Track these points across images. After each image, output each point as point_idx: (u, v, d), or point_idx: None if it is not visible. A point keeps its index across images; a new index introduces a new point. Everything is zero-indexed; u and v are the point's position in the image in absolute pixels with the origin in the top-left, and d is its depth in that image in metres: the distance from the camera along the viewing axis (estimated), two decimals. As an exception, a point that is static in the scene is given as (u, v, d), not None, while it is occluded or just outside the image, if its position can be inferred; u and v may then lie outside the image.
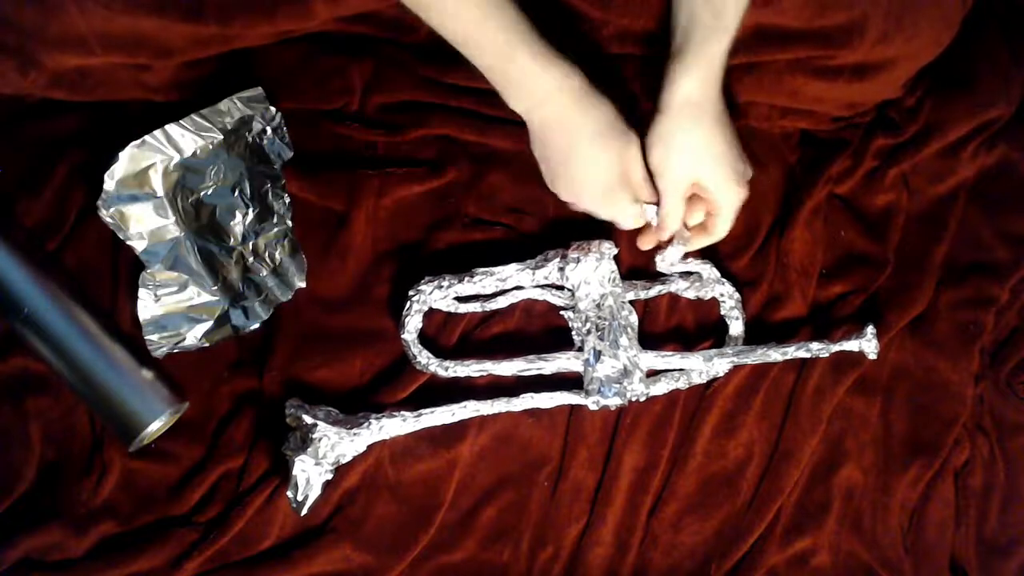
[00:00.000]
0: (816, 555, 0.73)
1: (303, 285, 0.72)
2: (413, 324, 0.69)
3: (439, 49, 0.74)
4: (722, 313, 0.74)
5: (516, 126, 0.76)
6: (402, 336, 0.69)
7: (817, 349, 0.72)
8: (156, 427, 0.66)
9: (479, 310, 0.72)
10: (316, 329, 0.72)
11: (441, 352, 0.72)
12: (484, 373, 0.70)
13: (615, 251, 0.71)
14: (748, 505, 0.73)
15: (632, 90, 0.78)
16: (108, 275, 0.71)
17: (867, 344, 0.72)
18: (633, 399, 0.69)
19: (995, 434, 0.77)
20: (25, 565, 0.65)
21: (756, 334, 0.74)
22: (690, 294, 0.74)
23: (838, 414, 0.75)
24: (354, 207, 0.73)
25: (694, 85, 0.64)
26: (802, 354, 0.72)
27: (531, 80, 0.63)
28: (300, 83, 0.74)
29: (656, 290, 0.74)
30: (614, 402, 0.68)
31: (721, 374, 0.73)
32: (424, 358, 0.69)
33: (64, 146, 0.72)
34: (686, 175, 0.66)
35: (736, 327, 0.74)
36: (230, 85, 0.71)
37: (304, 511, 0.66)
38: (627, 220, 0.70)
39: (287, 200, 0.72)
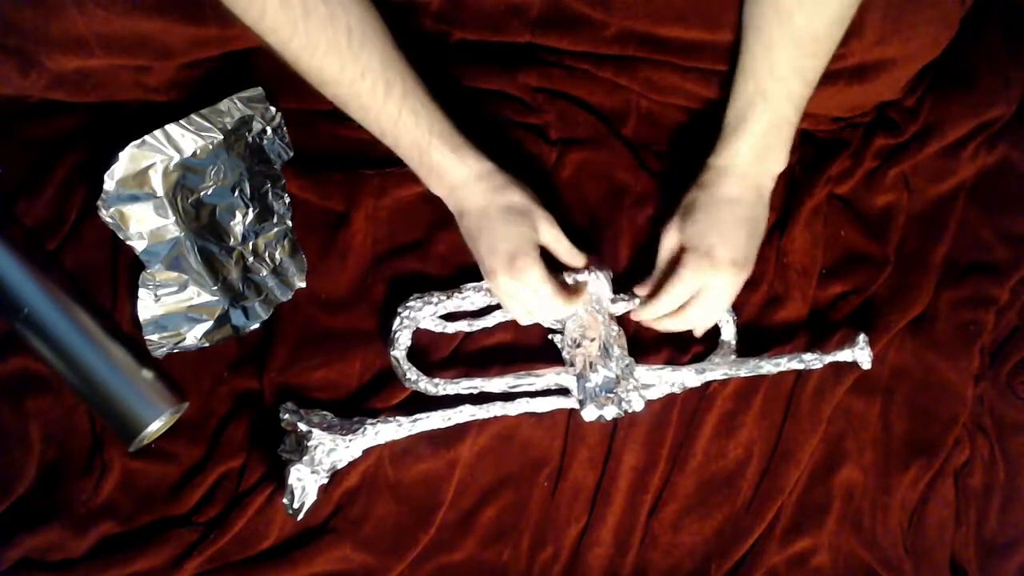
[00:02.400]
0: (816, 555, 0.73)
1: (303, 285, 0.72)
2: (402, 342, 0.69)
3: (441, 50, 0.74)
4: None
5: (516, 127, 0.76)
6: (391, 354, 0.69)
7: (810, 360, 0.72)
8: (156, 427, 0.66)
9: (467, 329, 0.71)
10: (316, 329, 0.72)
11: (438, 361, 0.71)
12: (475, 390, 0.69)
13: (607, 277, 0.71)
14: (748, 505, 0.73)
15: (628, 87, 0.78)
16: (108, 275, 0.71)
17: (860, 353, 0.72)
18: (628, 410, 0.68)
19: (995, 434, 0.77)
20: (25, 565, 0.65)
21: (756, 335, 0.74)
22: None
23: (838, 414, 0.75)
24: (354, 207, 0.73)
25: (720, 165, 0.68)
26: (795, 365, 0.72)
27: (447, 170, 0.65)
28: (300, 83, 0.74)
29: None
30: (611, 411, 0.67)
31: (716, 379, 0.72)
32: (414, 375, 0.68)
33: (64, 146, 0.72)
34: (678, 236, 0.68)
35: (728, 331, 0.73)
36: (230, 85, 0.71)
37: (300, 517, 0.66)
38: (534, 289, 0.66)
39: (287, 200, 0.72)
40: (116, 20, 0.65)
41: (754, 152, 0.67)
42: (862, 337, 0.72)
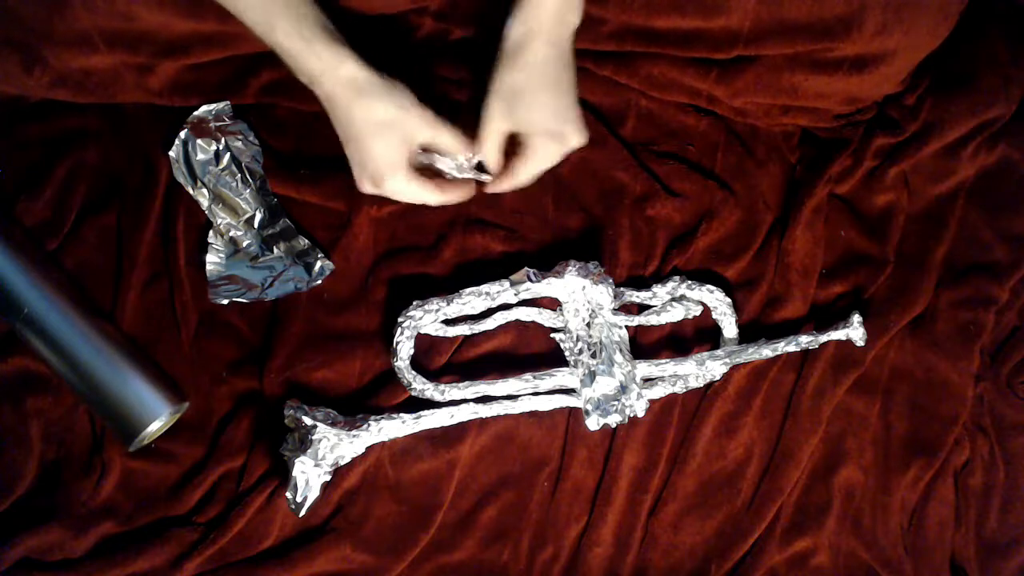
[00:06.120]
0: (816, 555, 0.73)
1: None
2: (405, 351, 0.68)
3: (440, 48, 0.74)
4: (714, 317, 0.74)
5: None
6: (395, 363, 0.68)
7: (806, 342, 0.72)
8: (156, 427, 0.66)
9: (468, 332, 0.71)
10: (316, 330, 0.72)
11: (439, 365, 0.71)
12: (481, 395, 0.69)
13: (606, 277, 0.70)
14: (748, 505, 0.73)
15: (628, 85, 0.78)
16: (108, 275, 0.71)
17: (854, 332, 0.73)
18: (631, 415, 0.69)
19: (995, 434, 0.77)
20: (25, 565, 0.65)
21: (757, 334, 0.74)
22: (678, 316, 0.74)
23: (838, 414, 0.75)
24: (356, 208, 0.73)
25: (523, 30, 0.63)
26: (792, 348, 0.72)
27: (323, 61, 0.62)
28: (301, 84, 0.74)
29: (645, 319, 0.73)
30: (614, 419, 0.68)
31: (717, 377, 0.73)
32: (419, 384, 0.68)
33: (64, 146, 0.72)
34: (505, 124, 0.65)
35: (730, 329, 0.73)
36: (231, 87, 0.71)
37: (302, 512, 0.66)
38: (401, 197, 0.66)
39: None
40: (118, 12, 0.65)
41: (557, 6, 0.64)
42: (856, 317, 0.73)
